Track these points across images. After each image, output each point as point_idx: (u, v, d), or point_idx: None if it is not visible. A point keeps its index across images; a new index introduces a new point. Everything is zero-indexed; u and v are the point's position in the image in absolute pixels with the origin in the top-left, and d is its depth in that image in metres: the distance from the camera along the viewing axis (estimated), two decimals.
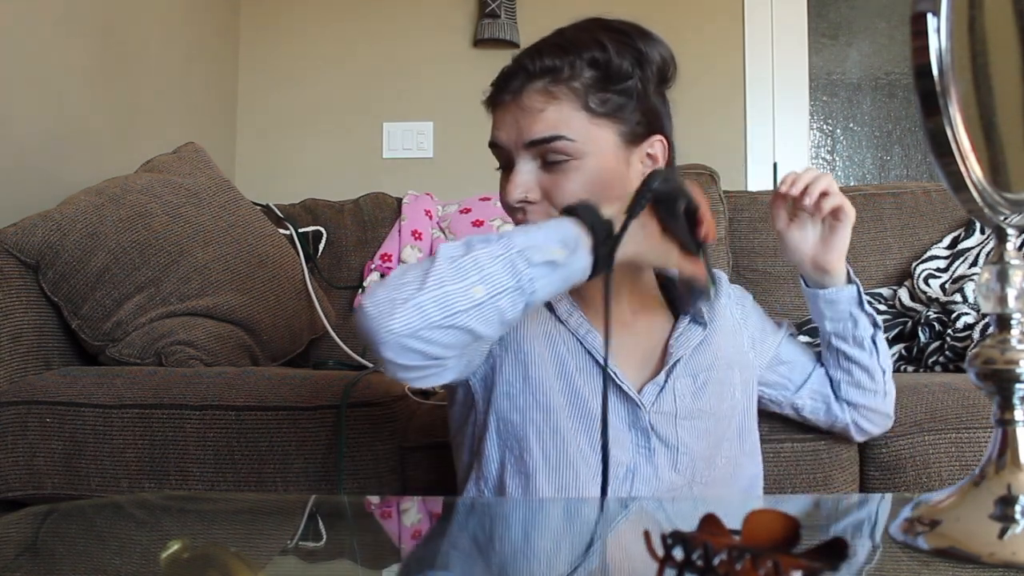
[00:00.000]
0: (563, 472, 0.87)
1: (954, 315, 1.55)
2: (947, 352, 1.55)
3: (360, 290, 1.93)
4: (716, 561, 0.46)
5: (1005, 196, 0.55)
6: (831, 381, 1.03)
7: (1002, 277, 0.57)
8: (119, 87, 1.93)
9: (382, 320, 0.68)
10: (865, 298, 1.01)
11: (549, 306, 0.91)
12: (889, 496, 1.02)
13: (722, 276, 1.03)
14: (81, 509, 0.78)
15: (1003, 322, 0.57)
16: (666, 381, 0.90)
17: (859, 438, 1.08)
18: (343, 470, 1.16)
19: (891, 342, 1.68)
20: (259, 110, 2.59)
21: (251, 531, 0.71)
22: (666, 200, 0.79)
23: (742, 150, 2.50)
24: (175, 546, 0.48)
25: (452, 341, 0.71)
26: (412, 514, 0.78)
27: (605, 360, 0.81)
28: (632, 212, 0.77)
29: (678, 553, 0.47)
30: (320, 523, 0.74)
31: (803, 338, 1.24)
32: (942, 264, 1.73)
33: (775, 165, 2.52)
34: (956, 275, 1.68)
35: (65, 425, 1.23)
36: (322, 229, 2.01)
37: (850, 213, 0.94)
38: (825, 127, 2.63)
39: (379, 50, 2.58)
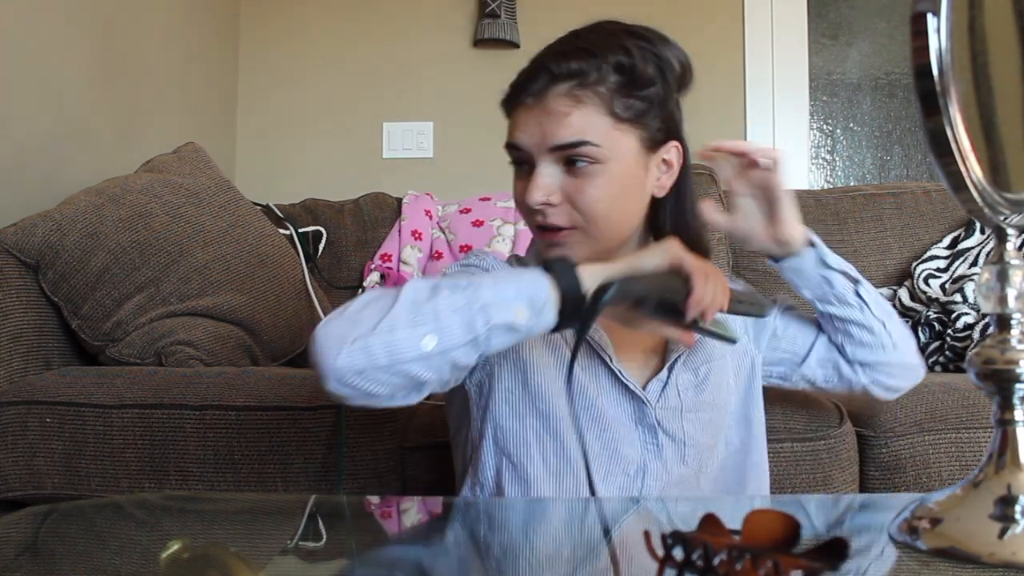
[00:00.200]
0: (565, 478, 0.87)
1: (954, 315, 1.55)
2: (947, 352, 1.55)
3: (360, 290, 1.93)
4: (716, 561, 0.46)
5: (1005, 196, 0.55)
6: (836, 347, 1.00)
7: (1002, 277, 0.57)
8: (119, 87, 1.93)
9: (328, 355, 0.69)
10: (833, 257, 0.98)
11: None
12: (889, 496, 1.02)
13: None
14: (81, 509, 0.78)
15: (1003, 322, 0.57)
16: (669, 377, 0.91)
17: (889, 396, 1.03)
18: (343, 470, 1.16)
19: None
20: (259, 110, 2.59)
21: (251, 531, 0.71)
22: (636, 302, 0.78)
23: None
24: (175, 546, 0.48)
25: (398, 383, 0.71)
26: (412, 514, 0.78)
27: (570, 370, 0.79)
28: (581, 333, 0.76)
29: (678, 553, 0.47)
30: (320, 523, 0.74)
31: None
32: (942, 264, 1.73)
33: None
34: (956, 275, 1.68)
35: (65, 425, 1.23)
36: (322, 229, 2.01)
37: (773, 165, 0.93)
38: (825, 127, 2.63)
39: (379, 50, 2.58)
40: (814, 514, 0.72)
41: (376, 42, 2.58)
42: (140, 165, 1.67)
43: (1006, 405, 0.57)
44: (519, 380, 0.88)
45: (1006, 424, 0.57)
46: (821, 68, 2.61)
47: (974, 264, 1.68)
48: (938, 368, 1.57)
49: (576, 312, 0.74)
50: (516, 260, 0.99)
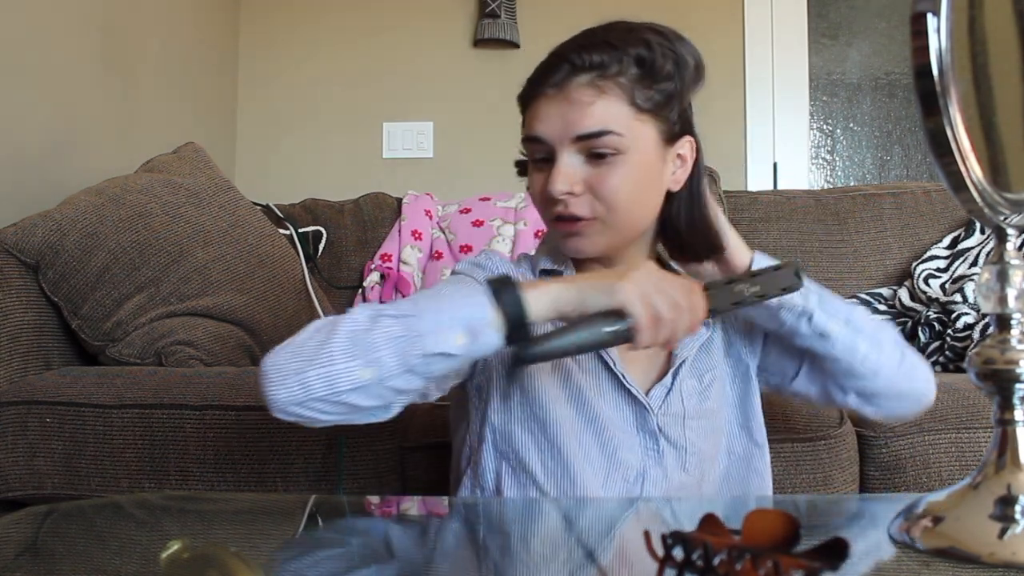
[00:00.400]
0: (563, 482, 0.87)
1: (954, 315, 1.55)
2: (947, 352, 1.55)
3: (360, 291, 1.93)
4: (716, 561, 0.46)
5: (1005, 196, 0.55)
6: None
7: (1002, 277, 0.57)
8: (119, 87, 1.93)
9: (271, 387, 0.71)
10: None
11: None
12: (889, 496, 1.02)
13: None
14: (81, 509, 0.78)
15: (1003, 322, 0.57)
16: (673, 383, 0.90)
17: (890, 421, 0.98)
18: (343, 470, 1.16)
19: None
20: (259, 110, 2.59)
21: (251, 531, 0.71)
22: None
23: (742, 150, 2.50)
24: (175, 546, 0.48)
25: (340, 411, 0.72)
26: (412, 514, 0.78)
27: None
28: (513, 372, 0.77)
29: (678, 553, 0.47)
30: (320, 523, 0.74)
31: None
32: (942, 264, 1.73)
33: (775, 165, 2.52)
34: (956, 275, 1.68)
35: (65, 425, 1.23)
36: (322, 229, 2.01)
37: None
38: (825, 127, 2.63)
39: (379, 50, 2.58)
40: (814, 514, 0.72)
41: (376, 42, 2.58)
42: (140, 165, 1.67)
43: (1006, 405, 0.57)
44: (516, 385, 0.88)
45: (1006, 424, 0.57)
46: (821, 68, 2.61)
47: (974, 264, 1.68)
48: (938, 368, 1.57)
49: (522, 334, 0.73)
50: (525, 259, 0.98)
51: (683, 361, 0.91)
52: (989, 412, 0.58)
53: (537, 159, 0.88)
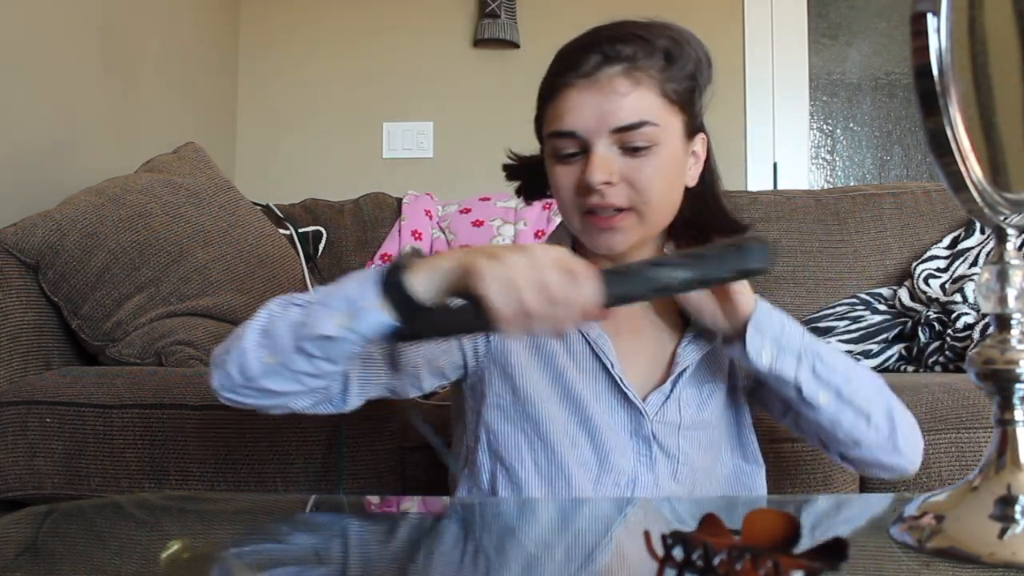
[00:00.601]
0: (556, 483, 0.86)
1: (954, 315, 1.55)
2: (947, 352, 1.55)
3: None
4: (716, 561, 0.46)
5: (1005, 196, 0.55)
6: None
7: (1002, 277, 0.57)
8: (119, 87, 1.93)
9: (210, 376, 0.78)
10: (767, 352, 0.83)
11: None
12: (889, 496, 1.02)
13: None
14: (81, 509, 0.78)
15: (1003, 322, 0.57)
16: (672, 390, 0.89)
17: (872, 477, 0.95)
18: (343, 470, 1.16)
19: (891, 342, 1.68)
20: (259, 110, 2.59)
21: (251, 531, 0.71)
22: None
23: (742, 150, 2.50)
24: (175, 546, 0.48)
25: (264, 397, 0.77)
26: (412, 514, 0.78)
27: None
28: (392, 360, 0.76)
29: (678, 553, 0.47)
30: (320, 523, 0.74)
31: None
32: (942, 264, 1.73)
33: (775, 165, 2.52)
34: (956, 275, 1.67)
35: (65, 425, 1.23)
36: (322, 229, 2.01)
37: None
38: (825, 127, 2.63)
39: (379, 50, 2.58)
40: (814, 514, 0.72)
41: (376, 42, 2.58)
42: (140, 165, 1.67)
43: (1006, 405, 0.57)
44: (508, 385, 0.88)
45: (1006, 424, 0.57)
46: (821, 68, 2.61)
47: (974, 264, 1.68)
48: (938, 368, 1.57)
49: (410, 313, 0.70)
50: None
51: (685, 369, 0.89)
52: (989, 412, 0.58)
53: (565, 155, 0.86)
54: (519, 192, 1.01)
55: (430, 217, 2.04)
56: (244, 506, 0.86)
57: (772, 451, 1.06)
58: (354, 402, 0.84)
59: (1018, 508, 0.54)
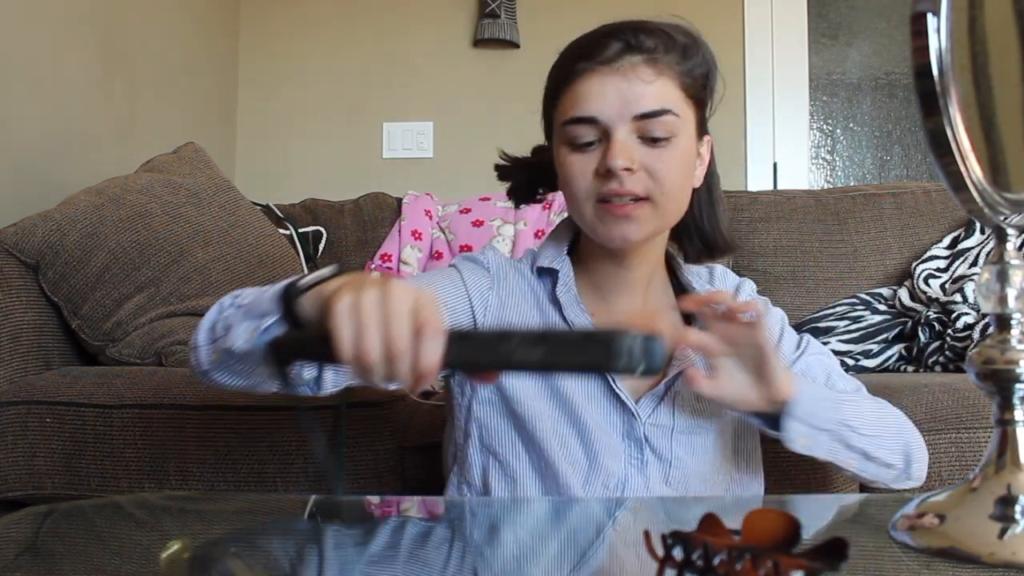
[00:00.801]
0: (546, 480, 0.86)
1: (954, 315, 1.55)
2: (947, 352, 1.55)
3: None
4: (716, 561, 0.46)
5: (1005, 196, 0.55)
6: None
7: (1002, 277, 0.57)
8: (119, 87, 1.93)
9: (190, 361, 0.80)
10: (804, 436, 0.83)
11: (557, 305, 0.91)
12: (889, 496, 1.02)
13: (745, 283, 1.01)
14: (81, 509, 0.78)
15: (1003, 322, 0.57)
16: (666, 393, 0.89)
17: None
18: (343, 470, 1.16)
19: (891, 342, 1.68)
20: (259, 110, 2.59)
21: (251, 531, 0.71)
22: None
23: (742, 150, 2.50)
24: (175, 546, 0.48)
25: (225, 382, 0.77)
26: (412, 514, 0.78)
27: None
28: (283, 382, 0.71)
29: (678, 553, 0.47)
30: (320, 523, 0.74)
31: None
32: (942, 264, 1.73)
33: (775, 165, 2.52)
34: (956, 275, 1.67)
35: (65, 425, 1.23)
36: (322, 229, 2.01)
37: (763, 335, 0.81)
38: (825, 127, 2.63)
39: (379, 50, 2.58)
40: (814, 514, 0.72)
41: (376, 42, 2.58)
42: (140, 165, 1.67)
43: (1006, 405, 0.57)
44: (496, 384, 0.88)
45: (1006, 424, 0.57)
46: (821, 68, 2.61)
47: (974, 264, 1.68)
48: (938, 368, 1.56)
49: (288, 335, 0.68)
50: (529, 254, 0.97)
51: (680, 372, 0.88)
52: (989, 412, 0.58)
53: (581, 143, 0.84)
54: (510, 194, 1.01)
55: (430, 217, 2.04)
56: (244, 506, 0.86)
57: (772, 451, 1.06)
58: (329, 387, 0.80)
59: (1018, 508, 0.54)
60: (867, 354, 1.66)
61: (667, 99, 0.83)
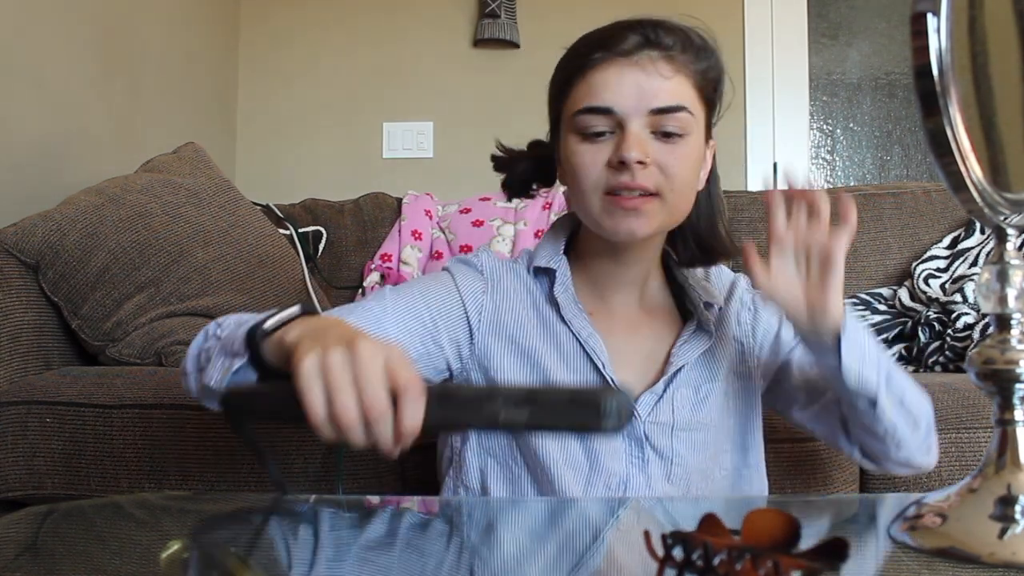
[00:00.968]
0: (545, 480, 0.86)
1: (954, 315, 1.55)
2: (947, 352, 1.55)
3: (360, 291, 1.93)
4: (716, 561, 0.46)
5: (1005, 196, 0.55)
6: (840, 416, 0.90)
7: (1002, 277, 0.57)
8: (119, 87, 1.93)
9: None
10: (855, 366, 0.81)
11: (555, 304, 0.91)
12: (889, 496, 1.02)
13: (740, 279, 1.01)
14: (81, 509, 0.78)
15: (1003, 322, 0.57)
16: (664, 390, 0.89)
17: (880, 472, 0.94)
18: (343, 470, 1.16)
19: (891, 342, 1.68)
20: (259, 110, 2.59)
21: (251, 531, 0.71)
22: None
23: (742, 150, 2.50)
24: (175, 546, 0.48)
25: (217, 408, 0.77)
26: (411, 514, 0.78)
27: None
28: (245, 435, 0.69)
29: (678, 553, 0.47)
30: (319, 523, 0.73)
31: None
32: (942, 264, 1.73)
33: (775, 165, 2.52)
34: (956, 275, 1.68)
35: (65, 425, 1.23)
36: (322, 229, 2.01)
37: (845, 237, 0.81)
38: (825, 127, 2.63)
39: (379, 50, 2.58)
40: (814, 514, 0.72)
41: (376, 42, 2.58)
42: (140, 165, 1.67)
43: (1006, 405, 0.57)
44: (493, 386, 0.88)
45: (1006, 424, 0.57)
46: (821, 68, 2.61)
47: (974, 264, 1.68)
48: (938, 368, 1.57)
49: (254, 385, 0.68)
50: (526, 254, 0.97)
51: (679, 369, 0.89)
52: (989, 412, 0.58)
53: (593, 133, 0.83)
54: (504, 186, 1.01)
55: (430, 217, 2.04)
56: (244, 506, 0.86)
57: (772, 451, 1.06)
58: None
59: (1018, 508, 0.54)
60: None
61: (683, 96, 0.83)
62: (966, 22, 0.53)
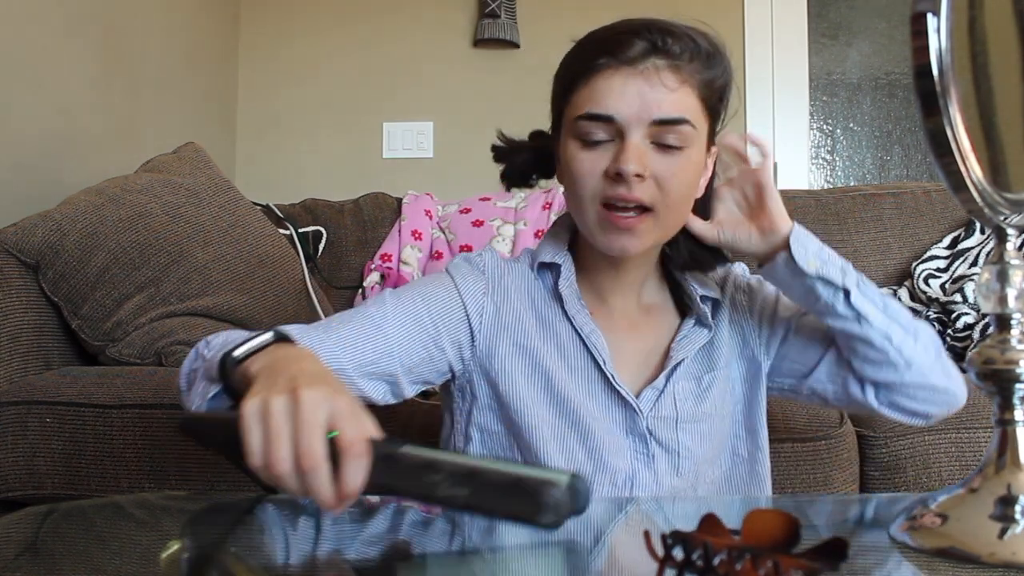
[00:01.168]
0: None
1: (954, 315, 1.55)
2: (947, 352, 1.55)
3: (360, 291, 1.93)
4: (716, 561, 0.46)
5: (1005, 196, 0.55)
6: (846, 362, 0.90)
7: (1002, 277, 0.57)
8: (119, 87, 1.93)
9: None
10: (812, 259, 0.86)
11: (558, 300, 0.91)
12: (889, 496, 1.02)
13: (737, 266, 1.00)
14: (81, 509, 0.78)
15: (1003, 322, 0.57)
16: (665, 385, 0.89)
17: (916, 422, 0.91)
18: None
19: None
20: (259, 110, 2.59)
21: (251, 531, 0.71)
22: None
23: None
24: (175, 546, 0.48)
25: None
26: (411, 514, 0.78)
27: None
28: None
29: (678, 553, 0.47)
30: (319, 523, 0.73)
31: None
32: (942, 264, 1.73)
33: (775, 165, 2.52)
34: (956, 275, 1.68)
35: (65, 425, 1.23)
36: (322, 229, 2.01)
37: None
38: (825, 127, 2.63)
39: (379, 50, 2.58)
40: (814, 514, 0.72)
41: (376, 42, 2.58)
42: (140, 165, 1.67)
43: (1006, 405, 0.57)
44: (494, 392, 0.88)
45: (1006, 424, 0.57)
46: (821, 68, 2.61)
47: (974, 264, 1.68)
48: None
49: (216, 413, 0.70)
50: (527, 253, 0.97)
51: (679, 363, 0.89)
52: (989, 412, 0.58)
53: (593, 140, 0.83)
54: (503, 177, 1.00)
55: (430, 217, 2.04)
56: (243, 506, 0.86)
57: (772, 451, 1.06)
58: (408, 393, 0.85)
59: (1018, 508, 0.54)
60: None
61: (686, 109, 0.82)
62: (966, 22, 0.53)
